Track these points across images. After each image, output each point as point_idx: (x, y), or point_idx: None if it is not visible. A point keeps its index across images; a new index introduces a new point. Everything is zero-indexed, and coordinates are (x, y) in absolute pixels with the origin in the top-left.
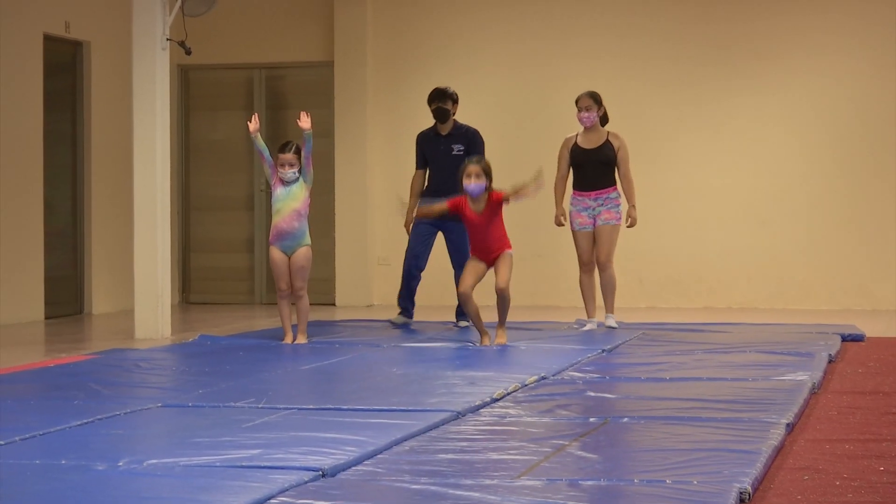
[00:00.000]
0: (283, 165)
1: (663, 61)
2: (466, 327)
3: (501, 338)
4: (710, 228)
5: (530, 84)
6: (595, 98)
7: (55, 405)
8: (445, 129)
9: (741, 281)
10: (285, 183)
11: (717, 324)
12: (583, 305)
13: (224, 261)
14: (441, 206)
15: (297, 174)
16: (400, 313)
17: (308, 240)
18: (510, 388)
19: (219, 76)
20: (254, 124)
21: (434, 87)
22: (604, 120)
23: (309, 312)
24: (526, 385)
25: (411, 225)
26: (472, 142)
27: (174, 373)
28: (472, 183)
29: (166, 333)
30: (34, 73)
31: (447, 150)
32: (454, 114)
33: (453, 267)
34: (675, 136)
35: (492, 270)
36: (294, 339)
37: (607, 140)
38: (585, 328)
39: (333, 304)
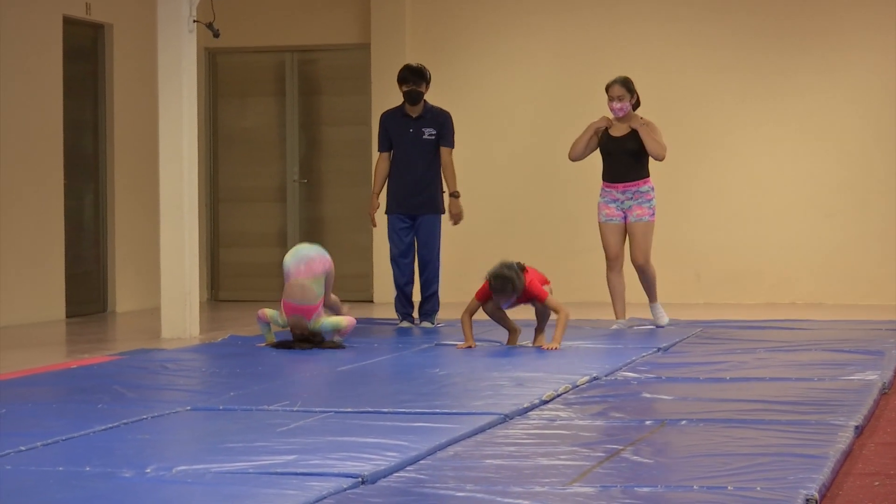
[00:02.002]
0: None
1: (719, 45)
2: (409, 327)
3: (541, 342)
4: (772, 220)
5: (577, 74)
6: (627, 86)
7: (78, 409)
8: (416, 112)
9: (805, 275)
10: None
11: (781, 320)
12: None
13: (255, 256)
14: (468, 325)
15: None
16: (402, 320)
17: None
18: (560, 390)
19: (248, 60)
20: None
21: (405, 64)
22: (635, 106)
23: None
24: (577, 386)
25: (375, 213)
26: (443, 126)
27: (203, 374)
28: (503, 301)
29: (194, 333)
30: (53, 58)
31: (417, 134)
32: (425, 94)
33: (419, 263)
34: (733, 123)
35: None
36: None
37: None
38: (613, 328)
39: (371, 301)
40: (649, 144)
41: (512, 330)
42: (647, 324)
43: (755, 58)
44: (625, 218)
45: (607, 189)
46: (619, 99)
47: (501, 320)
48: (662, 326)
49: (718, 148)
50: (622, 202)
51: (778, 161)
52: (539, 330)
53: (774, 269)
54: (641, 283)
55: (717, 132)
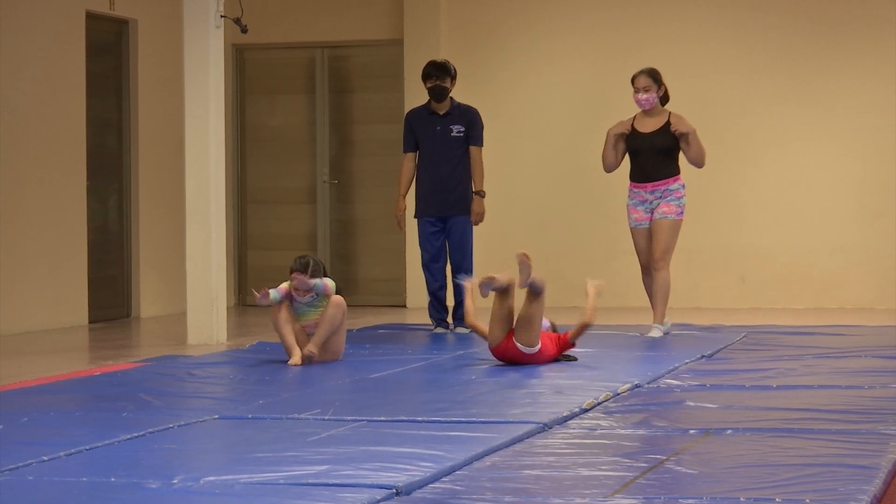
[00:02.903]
0: (296, 290)
1: (763, 43)
2: (444, 333)
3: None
4: (819, 221)
5: (613, 74)
6: (654, 76)
7: (102, 417)
8: (442, 109)
9: (854, 279)
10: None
11: (829, 326)
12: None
13: (284, 259)
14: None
15: (313, 298)
16: (437, 326)
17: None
18: (601, 398)
19: (277, 56)
20: (264, 300)
21: (429, 61)
22: (664, 100)
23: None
24: (618, 394)
25: (402, 215)
26: (472, 123)
27: (231, 382)
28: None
29: (222, 339)
30: (76, 54)
31: (445, 131)
32: (451, 90)
33: (451, 266)
34: (779, 123)
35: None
36: (303, 356)
37: (668, 122)
38: (650, 334)
39: (404, 307)
40: (694, 152)
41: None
42: (690, 329)
43: (800, 58)
44: (652, 218)
45: (635, 190)
46: (646, 90)
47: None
48: (656, 339)
49: (764, 148)
50: (651, 202)
51: (825, 161)
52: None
53: (822, 272)
54: (653, 291)
55: (764, 132)
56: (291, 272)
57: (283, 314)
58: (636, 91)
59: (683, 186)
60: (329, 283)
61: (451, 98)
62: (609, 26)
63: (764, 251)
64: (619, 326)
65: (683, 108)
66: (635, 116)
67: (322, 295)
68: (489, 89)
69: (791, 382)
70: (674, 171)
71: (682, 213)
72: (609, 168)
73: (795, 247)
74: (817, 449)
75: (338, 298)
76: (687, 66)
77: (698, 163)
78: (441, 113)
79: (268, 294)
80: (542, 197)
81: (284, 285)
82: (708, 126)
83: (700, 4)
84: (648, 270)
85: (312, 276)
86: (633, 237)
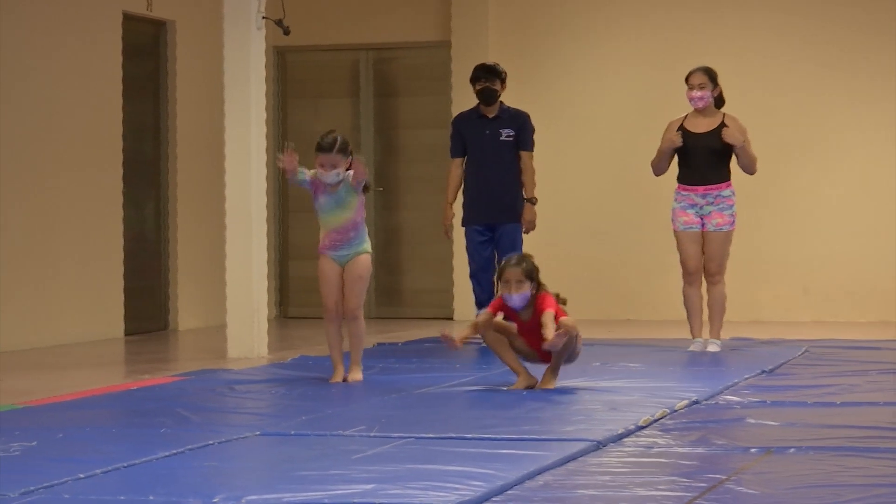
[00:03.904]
0: (322, 165)
1: (830, 43)
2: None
3: (549, 383)
4: (886, 230)
5: (669, 79)
6: (710, 74)
7: (139, 434)
8: (492, 112)
9: None
10: (327, 188)
11: (895, 340)
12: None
13: None
14: (473, 328)
15: (339, 176)
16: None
17: (368, 246)
18: (657, 415)
19: (320, 59)
20: (291, 163)
21: (479, 63)
22: (719, 102)
23: (365, 338)
24: (675, 411)
25: (450, 223)
26: (522, 127)
27: (273, 397)
28: (512, 294)
29: (263, 352)
30: (112, 57)
31: (494, 135)
32: (501, 94)
33: None
34: (844, 126)
35: None
36: (345, 377)
37: (722, 123)
38: (691, 349)
39: (451, 319)
40: (746, 160)
41: (521, 374)
42: (750, 343)
43: (869, 58)
44: (702, 225)
45: (684, 192)
46: (700, 87)
47: (510, 358)
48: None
49: (829, 153)
50: (701, 207)
51: (894, 167)
52: (551, 369)
53: (888, 284)
54: (709, 305)
55: (829, 136)
56: (317, 152)
57: (333, 328)
58: (690, 88)
59: (734, 193)
60: (359, 169)
61: (501, 102)
62: (664, 30)
63: (828, 261)
64: (676, 340)
65: (743, 111)
66: (686, 116)
67: (350, 189)
68: (539, 93)
69: (856, 399)
70: (726, 176)
71: (734, 222)
72: (660, 173)
73: (861, 257)
74: (883, 469)
75: (365, 261)
76: (747, 69)
77: (749, 170)
78: (490, 116)
79: (294, 164)
80: (595, 204)
81: (311, 173)
82: (769, 130)
83: (761, 5)
84: (693, 279)
85: (340, 154)
86: (678, 241)
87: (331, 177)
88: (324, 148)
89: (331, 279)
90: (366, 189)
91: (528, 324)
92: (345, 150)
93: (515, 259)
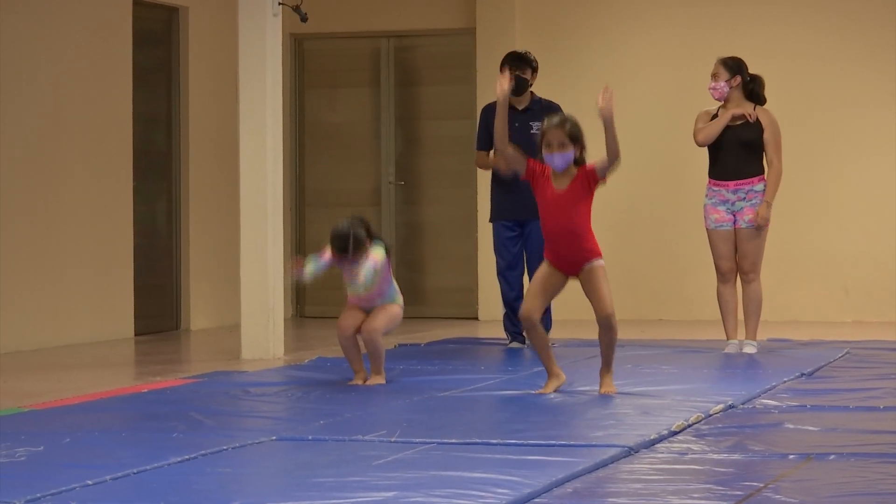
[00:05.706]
0: (340, 264)
1: (872, 32)
2: (520, 348)
3: (608, 386)
4: None
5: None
6: (727, 64)
7: (151, 438)
8: (522, 103)
9: None
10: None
11: None
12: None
13: None
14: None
15: (366, 273)
16: (512, 340)
17: (399, 299)
18: (691, 420)
19: (339, 47)
20: (302, 272)
21: (509, 51)
22: (753, 96)
23: (384, 351)
24: (710, 415)
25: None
26: None
27: (289, 400)
28: (555, 154)
29: (279, 353)
30: (122, 45)
31: (524, 128)
32: (532, 84)
33: (529, 275)
34: (886, 118)
35: (572, 289)
36: (366, 379)
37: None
38: (726, 351)
39: (476, 319)
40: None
41: (552, 374)
42: (788, 344)
43: None
44: (735, 222)
45: (715, 188)
46: (714, 77)
47: (546, 357)
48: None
49: (871, 146)
50: (733, 203)
51: None
52: (606, 367)
53: None
54: (745, 304)
55: (870, 129)
56: (333, 251)
57: (349, 330)
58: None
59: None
60: (377, 259)
61: (532, 92)
62: (699, 20)
63: (869, 259)
64: (710, 341)
65: (783, 101)
66: (719, 108)
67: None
68: (568, 77)
69: None
70: (759, 170)
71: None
72: (705, 142)
73: None
74: None
75: (395, 311)
76: (785, 55)
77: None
78: (520, 108)
79: (303, 270)
80: (626, 200)
81: (328, 253)
82: (809, 122)
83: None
84: (727, 279)
85: (356, 253)
86: (711, 240)
87: (356, 278)
88: (341, 250)
89: (352, 313)
90: (386, 251)
91: (561, 195)
92: (360, 245)
93: (558, 119)
